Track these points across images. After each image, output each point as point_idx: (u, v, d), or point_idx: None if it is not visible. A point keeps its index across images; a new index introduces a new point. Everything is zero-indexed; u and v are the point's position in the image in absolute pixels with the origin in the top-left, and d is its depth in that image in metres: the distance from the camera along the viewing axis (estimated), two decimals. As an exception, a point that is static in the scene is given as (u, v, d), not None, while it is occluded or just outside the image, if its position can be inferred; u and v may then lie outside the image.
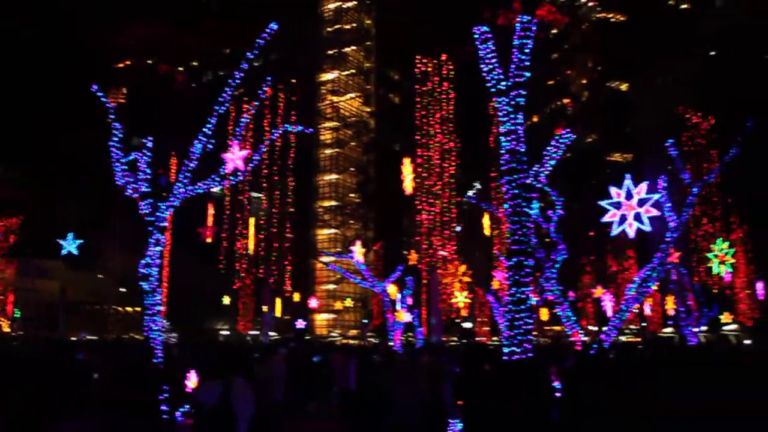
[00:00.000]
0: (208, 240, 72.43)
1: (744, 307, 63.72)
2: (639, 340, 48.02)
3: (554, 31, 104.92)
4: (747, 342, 42.26)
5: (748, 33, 72.88)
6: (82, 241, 22.04)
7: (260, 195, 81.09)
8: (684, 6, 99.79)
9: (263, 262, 63.74)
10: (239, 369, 7.00)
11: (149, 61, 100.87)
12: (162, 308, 13.25)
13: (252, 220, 78.90)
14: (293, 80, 67.20)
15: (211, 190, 14.40)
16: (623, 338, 53.88)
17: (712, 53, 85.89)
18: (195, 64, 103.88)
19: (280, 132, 16.30)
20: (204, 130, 13.45)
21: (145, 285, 12.62)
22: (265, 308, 58.67)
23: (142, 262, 12.73)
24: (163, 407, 10.28)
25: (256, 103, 16.17)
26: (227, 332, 70.21)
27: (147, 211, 12.99)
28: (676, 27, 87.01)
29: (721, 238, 35.90)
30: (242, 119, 15.53)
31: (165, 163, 60.22)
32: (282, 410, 14.38)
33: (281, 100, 79.22)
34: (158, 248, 12.93)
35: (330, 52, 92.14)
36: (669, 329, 55.99)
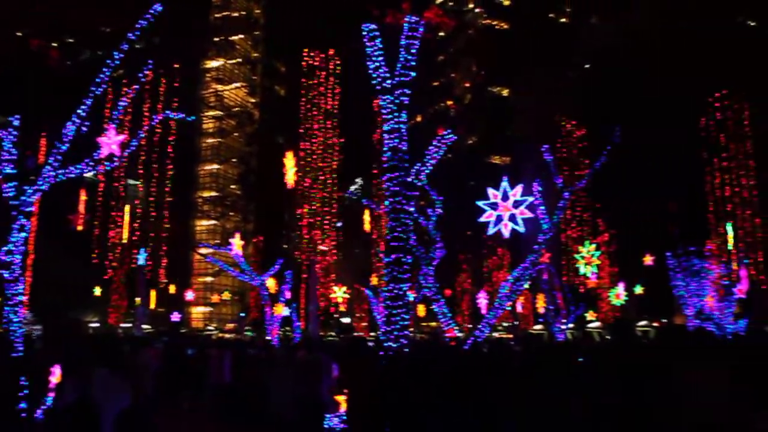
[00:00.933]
0: (79, 227, 69.03)
1: (606, 306, 67.37)
2: (511, 336, 49.94)
3: (441, 33, 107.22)
4: (608, 338, 44.86)
5: (619, 50, 77.24)
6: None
7: (137, 182, 78.06)
8: (563, 20, 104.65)
9: (138, 252, 61.34)
10: (105, 360, 6.67)
11: (18, 34, 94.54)
12: (24, 299, 12.48)
13: (127, 208, 75.83)
14: (176, 65, 64.95)
15: (84, 175, 13.70)
16: (496, 334, 55.90)
17: (587, 66, 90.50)
18: (71, 40, 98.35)
19: (161, 118, 15.70)
20: (78, 111, 12.78)
21: (6, 274, 11.84)
22: (138, 300, 56.67)
23: (4, 249, 11.94)
24: (23, 405, 9.71)
25: (136, 87, 15.56)
26: (97, 324, 67.20)
27: (11, 195, 12.19)
28: (555, 39, 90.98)
29: (588, 241, 37.90)
30: (120, 102, 14.88)
31: (34, 144, 56.75)
32: (154, 405, 13.95)
33: (163, 85, 76.54)
34: (22, 235, 12.16)
35: (216, 39, 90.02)
36: (539, 326, 58.60)
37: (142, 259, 59.00)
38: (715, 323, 30.06)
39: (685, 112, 66.08)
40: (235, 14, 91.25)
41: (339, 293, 55.99)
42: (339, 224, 75.66)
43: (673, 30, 66.22)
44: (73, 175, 12.98)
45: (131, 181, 78.28)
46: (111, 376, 6.56)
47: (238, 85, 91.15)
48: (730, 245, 59.63)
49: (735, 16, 70.10)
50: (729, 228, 57.32)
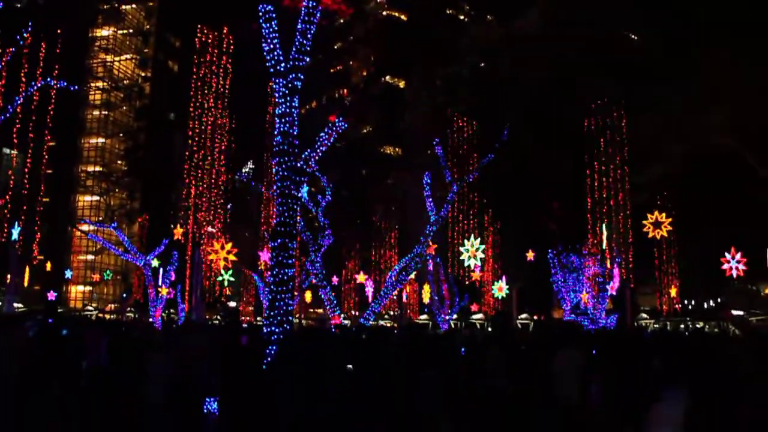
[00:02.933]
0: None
1: (489, 299, 69.44)
2: (396, 325, 50.73)
3: (341, 20, 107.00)
4: (489, 330, 46.56)
5: (507, 51, 79.24)
6: None
7: (11, 152, 73.50)
8: (462, 17, 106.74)
9: (9, 225, 57.76)
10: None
11: None
12: None
13: (-2, 179, 71.28)
14: (59, 30, 61.30)
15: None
16: (382, 323, 56.69)
17: (482, 64, 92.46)
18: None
19: (39, 85, 14.87)
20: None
21: None
22: (9, 277, 53.56)
23: None
24: None
25: (13, 49, 14.69)
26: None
27: None
28: (451, 34, 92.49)
29: (473, 235, 39.00)
30: (-5, 66, 14.00)
31: None
32: (21, 389, 13.26)
33: (43, 51, 72.19)
34: None
35: (105, 6, 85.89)
36: (424, 316, 59.83)
37: (15, 233, 55.77)
38: (589, 318, 31.76)
39: (571, 114, 68.90)
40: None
41: (225, 276, 55.00)
42: (228, 206, 74.31)
43: (562, 36, 68.72)
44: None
45: (5, 150, 73.72)
46: None
47: (128, 56, 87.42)
48: (605, 245, 62.84)
49: (620, 29, 73.54)
50: (603, 228, 60.35)
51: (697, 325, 55.92)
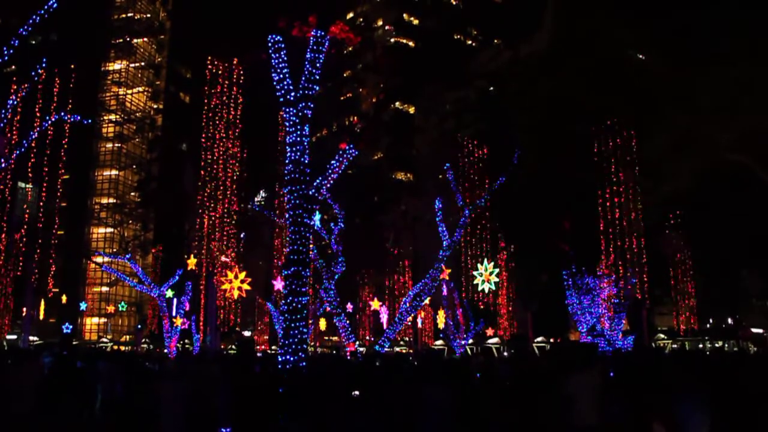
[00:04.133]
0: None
1: (505, 323, 68.93)
2: (411, 351, 50.46)
3: (350, 48, 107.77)
4: (505, 354, 46.24)
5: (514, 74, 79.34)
6: None
7: (27, 185, 74.22)
8: (469, 42, 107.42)
9: (25, 259, 58.09)
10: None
11: None
12: None
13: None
14: (72, 65, 62.13)
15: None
16: (398, 349, 56.38)
17: (491, 88, 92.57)
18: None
19: (54, 119, 15.07)
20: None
21: None
22: (24, 310, 53.85)
23: None
24: None
25: (28, 85, 14.91)
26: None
27: None
28: (459, 59, 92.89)
29: (486, 259, 38.79)
30: (10, 101, 14.18)
31: None
32: (34, 423, 13.24)
33: (57, 85, 73.17)
34: None
35: (118, 40, 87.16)
36: (440, 342, 59.43)
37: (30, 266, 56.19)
38: (606, 339, 31.43)
39: (580, 136, 68.70)
40: (139, 16, 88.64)
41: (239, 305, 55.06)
42: (242, 235, 74.50)
43: (570, 57, 68.81)
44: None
45: (21, 184, 74.47)
46: None
47: (140, 89, 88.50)
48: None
49: (626, 49, 73.59)
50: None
51: (716, 344, 55.23)
